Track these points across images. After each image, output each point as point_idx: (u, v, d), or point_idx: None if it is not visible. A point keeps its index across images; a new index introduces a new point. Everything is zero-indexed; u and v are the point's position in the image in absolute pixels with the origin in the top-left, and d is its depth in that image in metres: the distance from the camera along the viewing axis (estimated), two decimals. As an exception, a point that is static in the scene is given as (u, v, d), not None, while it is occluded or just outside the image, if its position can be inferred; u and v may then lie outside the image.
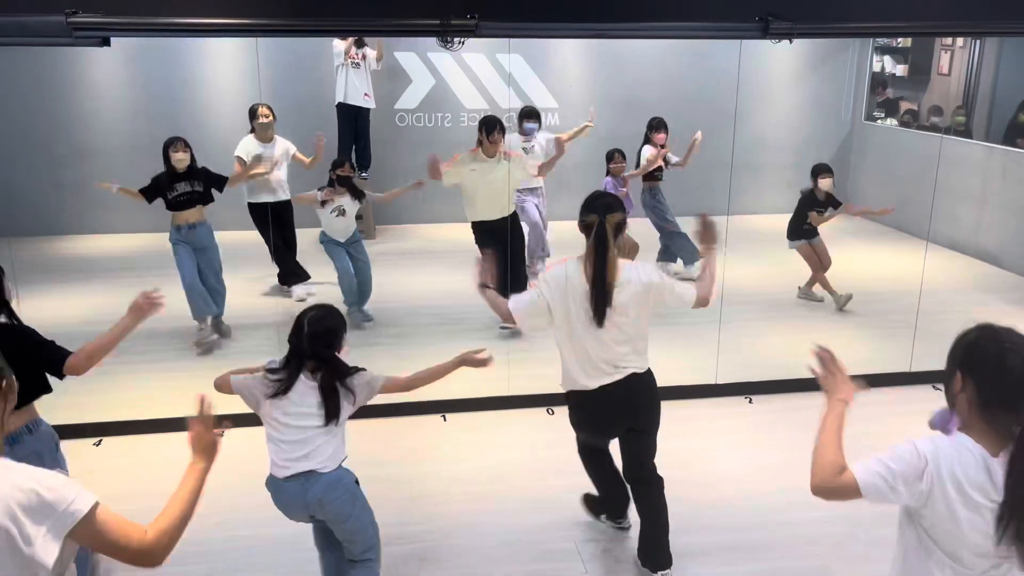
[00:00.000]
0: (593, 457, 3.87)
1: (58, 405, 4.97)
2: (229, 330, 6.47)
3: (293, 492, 3.08)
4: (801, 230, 7.07)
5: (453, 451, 4.84)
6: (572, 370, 3.45)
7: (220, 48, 8.94)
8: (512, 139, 7.21)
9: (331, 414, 3.06)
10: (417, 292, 7.29)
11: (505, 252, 6.43)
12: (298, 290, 7.17)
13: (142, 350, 5.93)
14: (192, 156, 6.10)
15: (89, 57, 8.77)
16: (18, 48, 7.59)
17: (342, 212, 6.43)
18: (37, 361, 3.04)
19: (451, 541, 3.99)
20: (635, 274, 3.36)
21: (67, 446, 4.80)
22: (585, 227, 3.35)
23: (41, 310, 6.77)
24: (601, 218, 3.28)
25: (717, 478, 4.54)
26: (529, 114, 7.38)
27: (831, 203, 7.03)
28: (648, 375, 3.51)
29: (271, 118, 6.90)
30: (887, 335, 6.42)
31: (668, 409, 5.42)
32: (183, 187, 6.04)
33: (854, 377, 2.30)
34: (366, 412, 5.13)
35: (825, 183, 6.93)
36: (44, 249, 8.50)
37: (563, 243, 6.81)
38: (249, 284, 7.35)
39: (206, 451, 2.24)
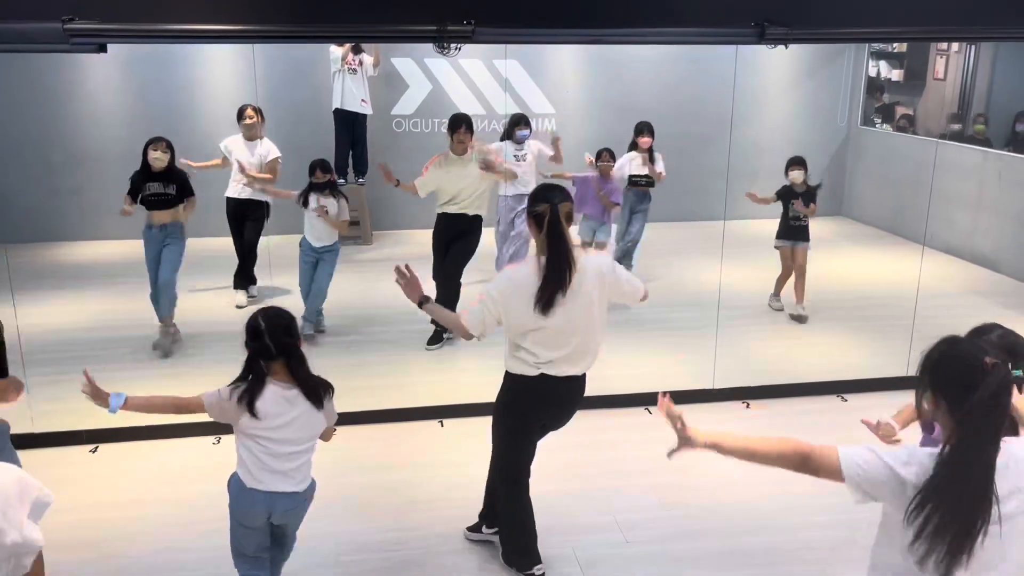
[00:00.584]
0: (520, 483, 3.76)
1: (54, 412, 5.00)
2: (178, 333, 6.33)
3: (258, 499, 3.10)
4: (788, 227, 6.98)
5: (450, 456, 4.83)
6: (528, 358, 3.41)
7: (217, 54, 8.94)
8: (504, 147, 7.20)
9: (315, 399, 3.06)
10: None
11: (459, 247, 6.30)
12: (239, 296, 7.11)
13: (139, 358, 5.94)
14: (172, 160, 6.03)
15: (86, 63, 8.76)
16: (14, 54, 7.59)
17: (324, 214, 6.31)
18: None
19: (448, 547, 3.98)
20: (590, 263, 3.36)
21: (63, 453, 4.85)
22: (536, 217, 3.29)
23: (37, 317, 6.77)
24: (553, 206, 3.25)
25: (715, 483, 4.53)
26: (520, 122, 7.36)
27: (809, 194, 6.96)
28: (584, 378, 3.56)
29: (255, 119, 6.91)
30: (884, 339, 6.42)
31: (666, 414, 5.40)
32: (156, 187, 5.97)
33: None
34: (364, 417, 5.17)
35: (794, 175, 6.90)
36: (40, 255, 8.49)
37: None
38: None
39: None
